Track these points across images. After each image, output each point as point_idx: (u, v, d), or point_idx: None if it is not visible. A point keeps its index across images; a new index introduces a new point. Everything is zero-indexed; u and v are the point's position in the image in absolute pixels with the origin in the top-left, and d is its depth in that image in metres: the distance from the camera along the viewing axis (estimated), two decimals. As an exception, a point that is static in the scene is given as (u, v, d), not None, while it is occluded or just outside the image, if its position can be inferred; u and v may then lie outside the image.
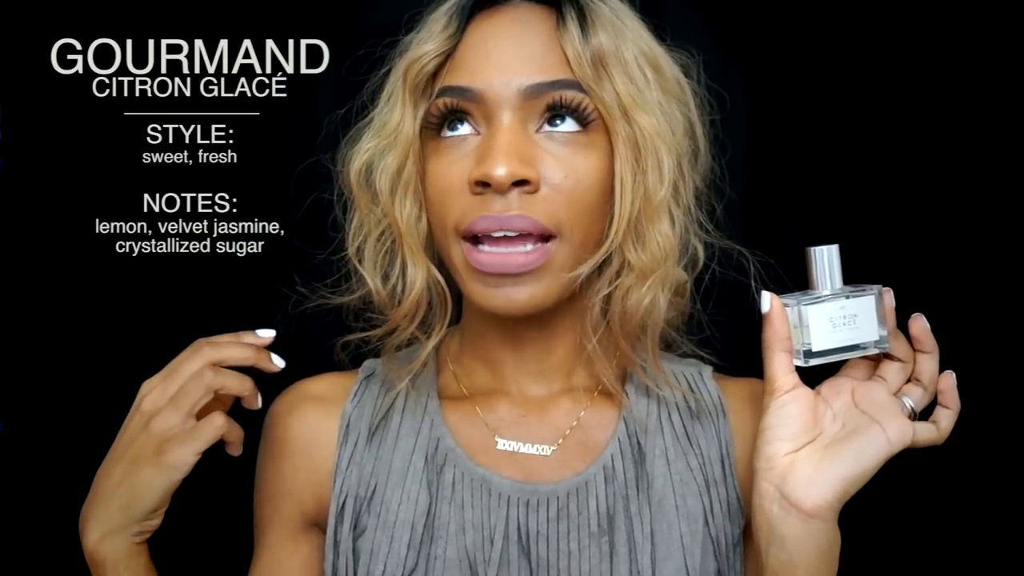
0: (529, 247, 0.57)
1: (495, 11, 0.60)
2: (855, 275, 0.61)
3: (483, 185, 0.57)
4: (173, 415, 0.57)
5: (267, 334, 0.64)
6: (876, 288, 0.58)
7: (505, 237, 0.57)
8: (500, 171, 0.55)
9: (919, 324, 0.58)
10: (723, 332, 0.72)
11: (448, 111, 0.59)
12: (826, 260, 0.58)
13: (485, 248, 0.58)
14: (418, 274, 0.61)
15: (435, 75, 0.60)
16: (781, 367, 0.57)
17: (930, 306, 0.59)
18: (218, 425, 0.58)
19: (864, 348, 0.58)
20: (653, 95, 0.60)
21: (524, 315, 0.59)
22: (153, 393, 0.58)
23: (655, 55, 0.62)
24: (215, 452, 0.82)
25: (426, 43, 0.60)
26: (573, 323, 0.64)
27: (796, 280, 0.62)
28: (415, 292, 0.61)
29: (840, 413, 0.57)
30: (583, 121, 0.58)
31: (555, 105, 0.58)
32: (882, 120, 0.90)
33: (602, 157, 0.59)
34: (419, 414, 0.65)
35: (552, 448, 0.64)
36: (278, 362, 0.62)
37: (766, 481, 0.56)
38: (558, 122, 0.58)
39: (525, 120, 0.58)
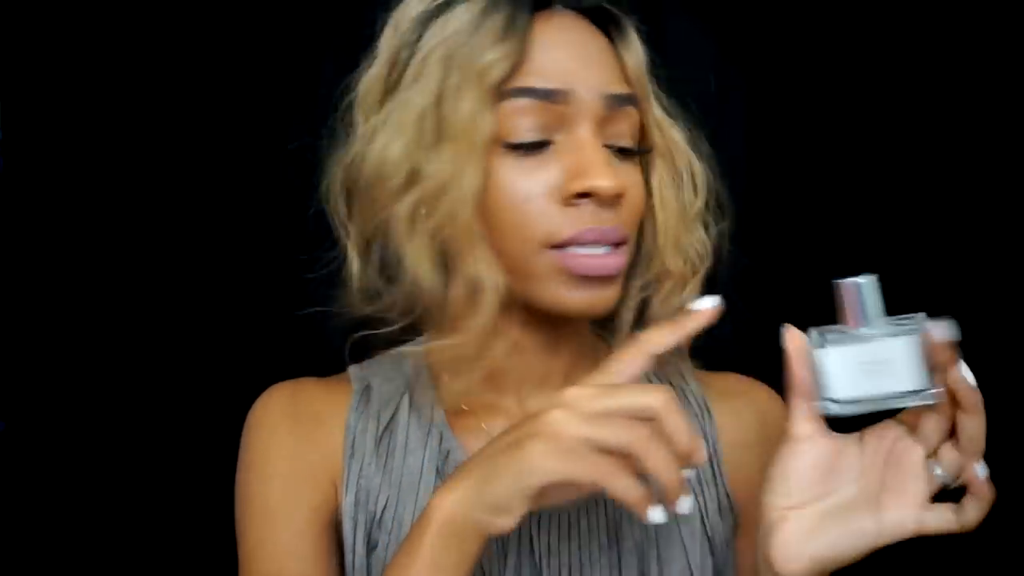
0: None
1: (550, 17, 0.59)
2: (852, 272, 0.57)
3: (583, 196, 0.56)
4: (581, 427, 0.46)
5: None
6: (920, 324, 0.48)
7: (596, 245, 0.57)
8: (609, 184, 0.56)
9: (955, 376, 0.47)
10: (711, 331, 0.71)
11: (533, 143, 0.57)
12: (860, 295, 0.49)
13: (579, 251, 0.57)
14: (497, 280, 0.57)
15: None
16: (796, 413, 0.51)
17: (931, 301, 0.54)
18: (613, 482, 0.46)
19: (909, 397, 0.48)
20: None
21: (599, 317, 0.60)
22: (585, 393, 0.48)
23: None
24: (212, 451, 0.81)
25: (490, 50, 0.56)
26: (577, 326, 0.64)
27: (793, 282, 0.61)
28: (493, 299, 0.57)
29: (867, 472, 0.51)
30: (641, 145, 0.60)
31: (623, 134, 0.59)
32: (882, 120, 0.90)
33: (640, 170, 0.61)
34: (425, 426, 0.64)
35: None
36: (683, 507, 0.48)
37: (761, 524, 0.53)
38: (625, 145, 0.59)
39: (597, 132, 0.58)
